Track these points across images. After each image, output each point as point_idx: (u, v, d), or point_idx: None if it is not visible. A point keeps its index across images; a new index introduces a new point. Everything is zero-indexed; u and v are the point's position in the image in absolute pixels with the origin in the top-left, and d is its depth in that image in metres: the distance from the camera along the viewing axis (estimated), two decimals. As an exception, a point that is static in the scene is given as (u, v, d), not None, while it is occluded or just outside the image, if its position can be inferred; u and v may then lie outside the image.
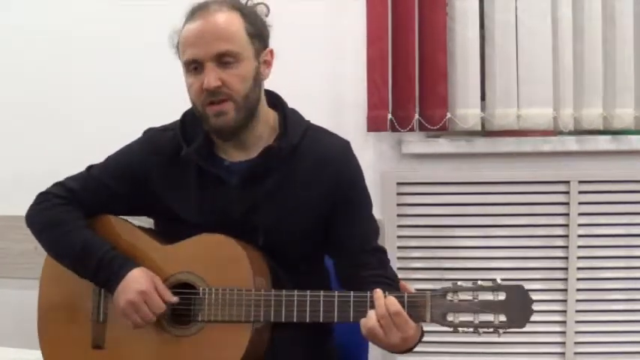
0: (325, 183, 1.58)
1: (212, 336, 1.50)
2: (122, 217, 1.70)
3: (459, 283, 1.41)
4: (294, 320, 1.46)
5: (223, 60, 1.50)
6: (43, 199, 1.68)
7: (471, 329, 1.39)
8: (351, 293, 1.45)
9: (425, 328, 2.34)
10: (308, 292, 1.46)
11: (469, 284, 1.40)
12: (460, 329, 1.40)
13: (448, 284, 1.41)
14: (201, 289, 1.52)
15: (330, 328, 1.70)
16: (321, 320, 1.45)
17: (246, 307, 1.48)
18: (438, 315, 1.40)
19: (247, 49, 1.53)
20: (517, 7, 2.30)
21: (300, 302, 1.46)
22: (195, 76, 1.51)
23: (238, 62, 1.51)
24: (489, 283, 1.39)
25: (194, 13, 1.52)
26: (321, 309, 1.45)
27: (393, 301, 1.40)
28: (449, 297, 1.40)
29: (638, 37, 2.29)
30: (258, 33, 1.55)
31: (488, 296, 1.38)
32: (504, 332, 1.40)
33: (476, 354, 2.43)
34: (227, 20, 1.51)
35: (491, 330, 1.39)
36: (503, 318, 1.38)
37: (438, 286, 1.43)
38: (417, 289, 1.48)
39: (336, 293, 1.46)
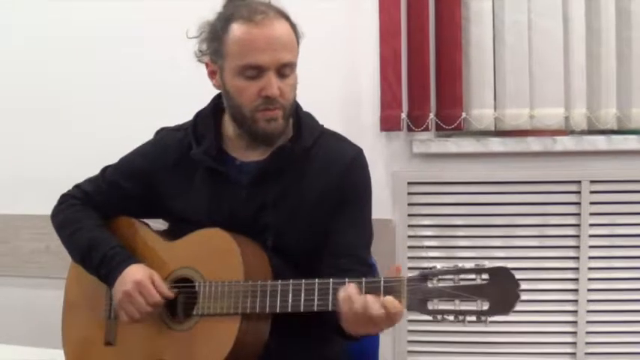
0: (331, 186, 1.59)
1: (204, 329, 1.51)
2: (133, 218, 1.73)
3: (439, 266, 1.31)
4: (277, 311, 1.45)
5: (283, 70, 1.52)
6: (62, 200, 1.75)
7: (452, 317, 1.29)
8: (330, 280, 1.41)
9: (424, 328, 2.37)
10: (290, 281, 1.45)
11: (450, 267, 1.31)
12: (439, 316, 1.30)
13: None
14: (196, 283, 1.53)
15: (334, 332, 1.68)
16: (301, 309, 1.43)
17: (234, 299, 1.48)
18: (416, 302, 1.31)
19: (297, 59, 1.56)
20: (529, 7, 2.29)
21: (283, 292, 1.45)
22: (250, 81, 1.51)
23: (292, 73, 1.54)
24: (472, 265, 1.30)
25: (251, 15, 1.50)
26: (302, 297, 1.43)
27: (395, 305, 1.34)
28: (429, 281, 1.31)
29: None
30: (299, 43, 1.57)
31: (471, 280, 1.30)
32: (489, 319, 1.29)
33: (485, 354, 2.41)
34: (288, 31, 1.53)
35: (474, 318, 1.29)
36: (486, 303, 1.28)
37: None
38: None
39: (316, 281, 1.43)
